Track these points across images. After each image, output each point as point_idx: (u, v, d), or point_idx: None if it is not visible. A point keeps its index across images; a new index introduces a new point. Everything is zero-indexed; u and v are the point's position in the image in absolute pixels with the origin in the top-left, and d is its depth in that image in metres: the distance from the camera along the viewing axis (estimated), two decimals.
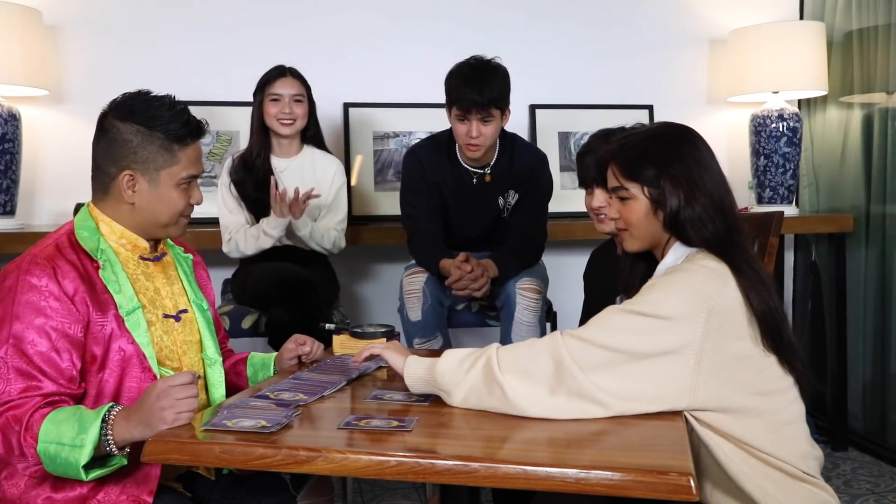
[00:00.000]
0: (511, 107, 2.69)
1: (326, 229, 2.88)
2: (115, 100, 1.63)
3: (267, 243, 2.73)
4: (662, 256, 1.58)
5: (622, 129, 2.02)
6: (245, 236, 2.78)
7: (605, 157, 1.64)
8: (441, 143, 2.79)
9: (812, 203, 3.76)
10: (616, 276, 1.77)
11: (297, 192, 2.68)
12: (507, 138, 2.79)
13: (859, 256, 3.49)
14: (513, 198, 2.80)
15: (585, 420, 1.40)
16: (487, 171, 2.76)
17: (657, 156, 1.54)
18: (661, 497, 1.13)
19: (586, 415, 1.39)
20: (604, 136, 2.03)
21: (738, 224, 1.54)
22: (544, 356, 1.42)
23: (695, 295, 1.42)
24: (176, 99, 1.63)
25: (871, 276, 3.44)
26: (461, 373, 1.44)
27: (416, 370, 1.50)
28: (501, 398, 1.40)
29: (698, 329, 1.40)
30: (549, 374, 1.40)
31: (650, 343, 1.40)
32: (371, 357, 1.62)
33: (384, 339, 1.85)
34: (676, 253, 1.54)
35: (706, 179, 1.52)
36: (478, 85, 2.55)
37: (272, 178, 2.77)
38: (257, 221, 2.85)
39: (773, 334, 1.45)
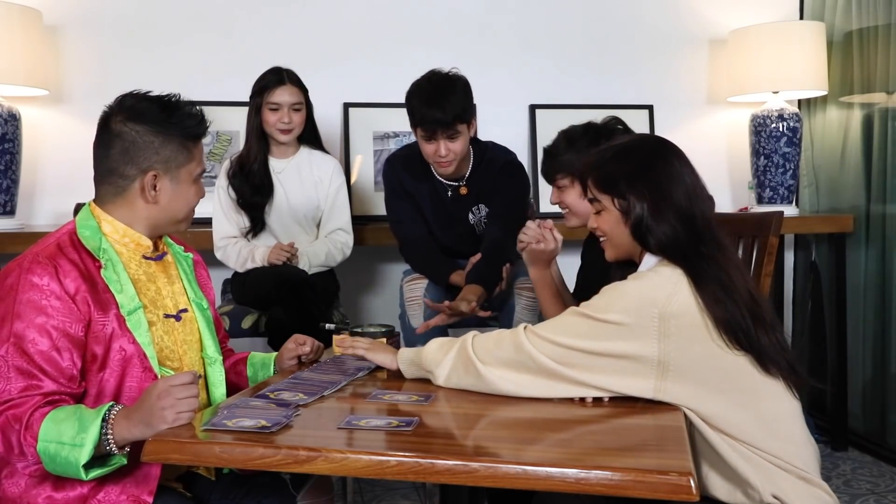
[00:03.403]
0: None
1: (332, 243, 2.91)
2: (118, 103, 1.63)
3: (253, 265, 2.79)
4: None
5: (588, 126, 2.17)
6: (237, 255, 2.82)
7: (583, 170, 1.70)
8: (415, 157, 2.73)
9: (812, 203, 3.76)
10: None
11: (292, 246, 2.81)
12: (480, 147, 2.74)
13: (859, 256, 3.49)
14: (483, 211, 2.75)
15: (585, 420, 1.41)
16: (463, 183, 2.72)
17: (628, 169, 1.60)
18: (661, 497, 1.13)
19: (555, 392, 1.49)
20: (569, 140, 2.17)
21: (710, 234, 1.56)
22: (507, 342, 1.54)
23: (641, 301, 1.46)
24: (177, 96, 1.66)
25: (871, 276, 3.44)
26: (442, 354, 1.59)
27: (407, 357, 1.67)
28: (476, 375, 1.53)
29: (653, 336, 1.44)
30: (512, 358, 1.51)
31: (602, 346, 1.47)
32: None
33: (384, 339, 1.86)
34: (648, 262, 1.59)
35: (674, 192, 1.56)
36: (439, 104, 2.48)
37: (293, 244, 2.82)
38: (253, 226, 2.87)
39: (739, 341, 1.47)
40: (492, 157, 2.74)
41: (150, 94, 1.64)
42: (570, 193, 2.14)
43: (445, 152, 2.55)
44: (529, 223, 2.13)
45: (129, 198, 1.61)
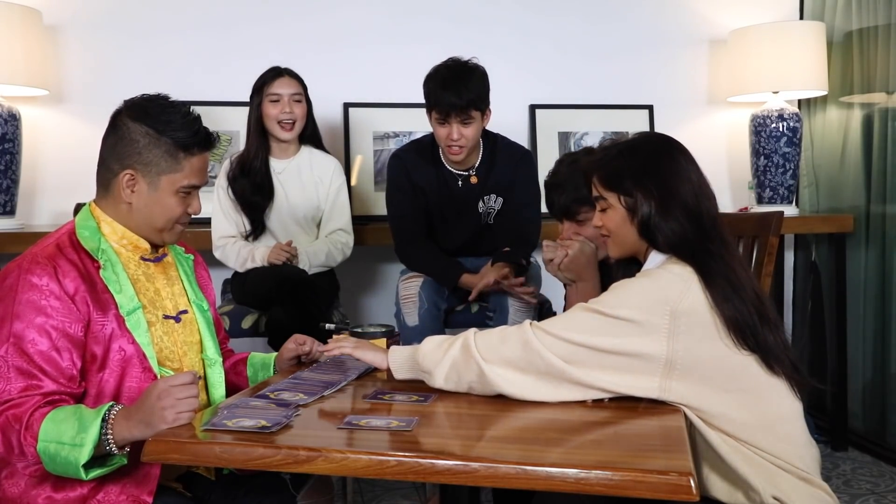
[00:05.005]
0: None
1: (333, 243, 2.90)
2: (132, 99, 1.63)
3: (253, 265, 2.79)
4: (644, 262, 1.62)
5: (589, 151, 2.02)
6: (237, 254, 2.83)
7: (588, 168, 1.69)
8: (425, 148, 2.78)
9: (812, 203, 3.76)
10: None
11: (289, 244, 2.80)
12: (489, 138, 2.77)
13: (859, 256, 3.49)
14: (495, 202, 2.77)
15: (585, 420, 1.41)
16: (472, 172, 2.74)
17: (634, 167, 1.59)
18: (661, 497, 1.13)
19: (558, 396, 1.46)
20: (571, 164, 2.02)
21: (716, 232, 1.57)
22: (513, 339, 1.49)
23: (654, 299, 1.45)
24: (191, 108, 1.63)
25: (871, 276, 3.44)
26: (441, 352, 1.53)
27: (399, 356, 1.60)
28: (478, 373, 1.48)
29: (663, 334, 1.44)
30: (519, 356, 1.47)
31: (612, 343, 1.45)
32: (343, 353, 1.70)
33: (384, 339, 1.86)
34: (655, 259, 1.59)
35: (680, 190, 1.56)
36: (455, 87, 2.53)
37: (291, 242, 2.82)
38: (253, 225, 2.87)
39: (746, 340, 1.47)
40: (504, 147, 2.78)
41: (166, 98, 1.63)
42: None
43: (458, 136, 2.59)
44: (546, 241, 2.06)
45: (113, 194, 1.61)
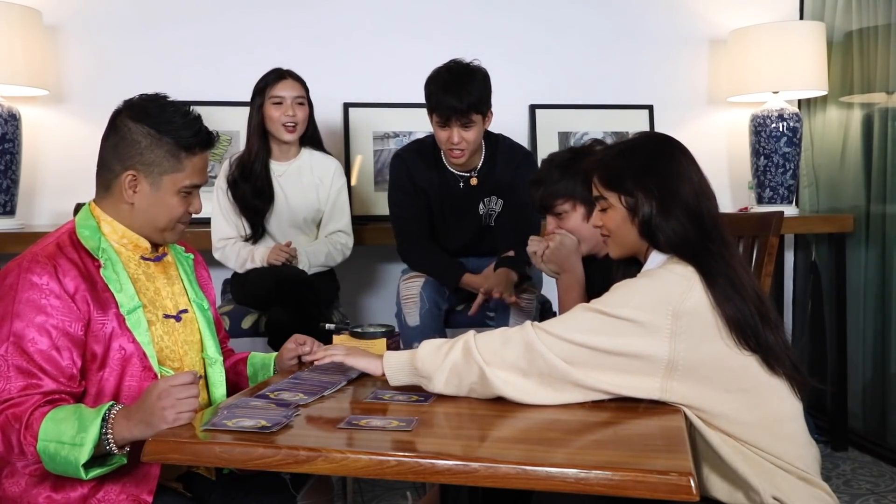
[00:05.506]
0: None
1: (332, 244, 2.90)
2: (131, 99, 1.63)
3: (253, 266, 2.79)
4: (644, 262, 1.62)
5: (574, 150, 2.09)
6: (236, 255, 2.82)
7: (588, 168, 1.69)
8: (426, 149, 2.76)
9: (812, 203, 3.76)
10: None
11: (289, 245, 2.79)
12: (491, 140, 2.76)
13: (859, 256, 3.49)
14: (496, 204, 2.77)
15: (585, 420, 1.41)
16: (474, 174, 2.74)
17: (634, 167, 1.59)
18: (661, 497, 1.13)
19: (559, 400, 1.45)
20: (559, 166, 2.06)
21: (717, 232, 1.56)
22: (515, 340, 1.48)
23: (656, 299, 1.45)
24: (190, 107, 1.63)
25: (871, 276, 3.44)
26: (440, 357, 1.50)
27: (395, 361, 1.56)
28: (479, 376, 1.46)
29: (665, 334, 1.43)
30: (521, 358, 1.46)
31: (614, 343, 1.44)
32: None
33: (384, 340, 1.85)
34: (656, 259, 1.58)
35: (681, 190, 1.56)
36: (456, 91, 2.51)
37: (291, 243, 2.81)
38: (252, 228, 2.87)
39: (747, 340, 1.47)
40: (506, 149, 2.76)
41: (165, 98, 1.63)
42: (573, 218, 2.04)
43: (458, 140, 2.57)
44: (532, 236, 2.12)
45: (114, 194, 1.61)
